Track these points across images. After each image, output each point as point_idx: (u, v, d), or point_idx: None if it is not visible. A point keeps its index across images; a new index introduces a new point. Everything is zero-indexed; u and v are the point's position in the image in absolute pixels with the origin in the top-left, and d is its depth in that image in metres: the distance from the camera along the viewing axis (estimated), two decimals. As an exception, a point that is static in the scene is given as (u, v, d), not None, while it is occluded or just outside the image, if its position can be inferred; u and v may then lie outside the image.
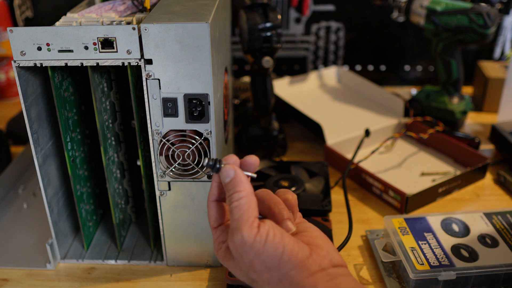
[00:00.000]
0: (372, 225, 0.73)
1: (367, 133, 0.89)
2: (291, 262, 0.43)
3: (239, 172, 0.46)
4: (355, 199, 0.80)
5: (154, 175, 0.60)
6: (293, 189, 0.73)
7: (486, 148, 0.93)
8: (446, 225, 0.66)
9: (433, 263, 0.59)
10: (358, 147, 0.85)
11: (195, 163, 0.59)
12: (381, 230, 0.71)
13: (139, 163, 0.64)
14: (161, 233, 0.64)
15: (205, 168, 0.48)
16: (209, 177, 0.60)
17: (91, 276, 0.65)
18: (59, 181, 0.66)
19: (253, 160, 0.49)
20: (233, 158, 0.47)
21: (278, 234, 0.43)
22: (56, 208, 0.65)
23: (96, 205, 0.72)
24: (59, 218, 0.66)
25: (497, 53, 1.17)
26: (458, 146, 0.87)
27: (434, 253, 0.61)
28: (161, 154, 0.59)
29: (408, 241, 0.63)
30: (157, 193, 0.61)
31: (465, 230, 0.65)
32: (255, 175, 0.49)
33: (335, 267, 0.44)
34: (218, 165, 0.46)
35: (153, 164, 0.59)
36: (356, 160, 0.83)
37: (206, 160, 0.46)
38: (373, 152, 0.83)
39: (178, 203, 0.62)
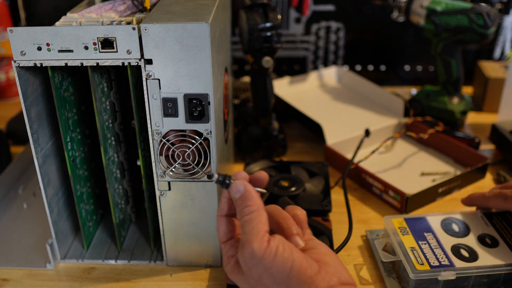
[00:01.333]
0: (372, 225, 0.73)
1: (367, 133, 0.89)
2: (300, 277, 0.43)
3: (249, 187, 0.46)
4: (355, 199, 0.80)
5: (154, 175, 0.60)
6: (293, 189, 0.73)
7: (486, 148, 0.93)
8: (446, 225, 0.66)
9: (433, 263, 0.59)
10: (358, 147, 0.85)
11: (195, 163, 0.59)
12: (381, 230, 0.71)
13: (139, 163, 0.64)
14: (161, 233, 0.64)
15: (216, 184, 0.48)
16: (209, 177, 0.60)
17: (91, 276, 0.65)
18: (59, 181, 0.66)
19: (262, 175, 0.49)
20: (242, 174, 0.48)
21: (288, 249, 0.43)
22: (56, 208, 0.65)
23: (96, 205, 0.72)
24: (59, 218, 0.66)
25: (497, 53, 1.17)
26: (458, 146, 0.87)
27: (434, 253, 0.61)
28: (161, 154, 0.59)
29: (408, 241, 0.63)
30: (157, 193, 0.61)
31: (465, 230, 0.65)
32: (265, 191, 0.49)
33: (344, 285, 0.44)
34: (227, 181, 0.47)
35: (153, 164, 0.59)
36: (356, 160, 0.83)
37: (216, 176, 0.47)
38: (373, 152, 0.83)
39: (178, 203, 0.62)
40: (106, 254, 0.68)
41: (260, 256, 0.43)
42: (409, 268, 0.59)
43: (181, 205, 0.62)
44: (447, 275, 0.58)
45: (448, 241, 0.63)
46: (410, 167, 0.87)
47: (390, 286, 0.61)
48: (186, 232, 0.64)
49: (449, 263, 0.59)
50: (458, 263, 0.59)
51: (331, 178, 0.83)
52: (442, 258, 0.60)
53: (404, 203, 0.74)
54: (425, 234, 0.64)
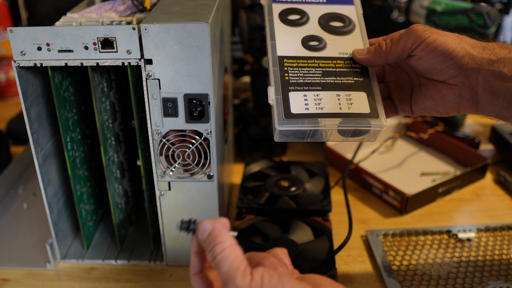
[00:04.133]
0: (372, 225, 0.73)
1: (367, 133, 0.89)
2: None
3: (216, 224, 0.43)
4: (355, 199, 0.80)
5: (154, 175, 0.60)
6: (293, 189, 0.73)
7: (486, 148, 0.93)
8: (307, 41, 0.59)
9: None
10: (358, 147, 0.85)
11: (195, 163, 0.59)
12: (381, 230, 0.71)
13: (139, 163, 0.64)
14: (161, 233, 0.64)
15: (181, 231, 0.44)
16: (209, 177, 0.60)
17: (91, 276, 0.65)
18: (59, 181, 0.66)
19: (224, 221, 0.44)
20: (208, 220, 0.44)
21: (275, 276, 0.40)
22: (56, 208, 0.65)
23: (96, 205, 0.72)
24: (59, 218, 0.66)
25: (497, 53, 1.17)
26: (458, 146, 0.87)
27: None
28: (161, 154, 0.59)
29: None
30: (157, 193, 0.61)
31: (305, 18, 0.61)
32: (236, 233, 0.45)
33: None
34: (192, 226, 0.44)
35: (153, 164, 0.59)
36: (356, 160, 0.83)
37: (179, 223, 0.44)
38: (373, 152, 0.83)
39: (178, 203, 0.62)
40: (106, 254, 0.68)
41: None
42: None
43: (181, 205, 0.62)
44: None
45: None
46: (410, 167, 0.87)
47: (390, 286, 0.61)
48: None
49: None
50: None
51: (331, 178, 0.83)
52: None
53: (404, 203, 0.74)
54: None
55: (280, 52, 0.56)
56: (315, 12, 0.61)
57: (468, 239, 0.69)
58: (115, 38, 0.53)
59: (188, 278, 0.64)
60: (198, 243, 0.44)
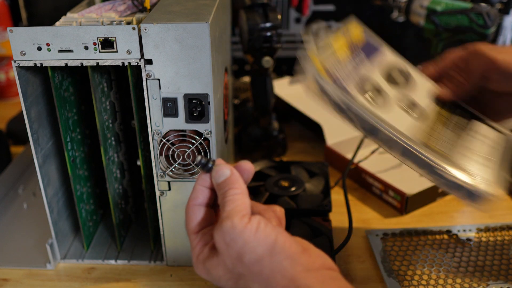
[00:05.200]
0: (372, 225, 0.73)
1: (367, 133, 0.89)
2: (284, 252, 0.40)
3: (235, 171, 0.45)
4: (355, 199, 0.80)
5: (154, 175, 0.60)
6: (293, 189, 0.73)
7: (486, 148, 0.93)
8: (388, 74, 0.61)
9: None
10: (358, 147, 0.85)
11: (195, 163, 0.59)
12: (381, 230, 0.71)
13: (139, 163, 0.64)
14: (161, 233, 0.64)
15: (198, 166, 0.46)
16: (198, 165, 0.59)
17: (91, 276, 0.65)
18: (59, 181, 0.66)
19: (248, 166, 0.46)
20: (223, 161, 0.46)
21: (270, 226, 0.41)
22: (56, 208, 0.65)
23: (96, 205, 0.72)
24: (59, 218, 0.66)
25: (497, 53, 1.17)
26: (458, 146, 0.87)
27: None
28: (161, 154, 0.59)
29: (342, 48, 0.58)
30: (157, 193, 0.61)
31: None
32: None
33: (328, 269, 0.42)
34: (210, 165, 0.45)
35: (153, 164, 0.59)
36: (356, 160, 0.83)
37: (199, 158, 0.45)
38: (373, 152, 0.83)
39: (178, 203, 0.62)
40: (106, 254, 0.68)
41: (240, 229, 0.40)
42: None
43: (181, 205, 0.62)
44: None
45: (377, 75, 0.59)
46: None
47: (390, 286, 0.61)
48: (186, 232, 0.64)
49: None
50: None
51: (331, 178, 0.83)
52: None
53: (404, 203, 0.74)
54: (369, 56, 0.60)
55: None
56: (372, 72, 0.60)
57: (468, 239, 0.69)
58: (115, 38, 0.53)
59: (188, 278, 0.64)
60: (210, 181, 0.46)
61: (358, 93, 0.54)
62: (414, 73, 0.61)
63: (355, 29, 0.60)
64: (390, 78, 0.58)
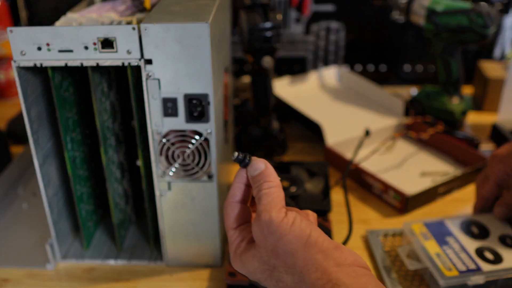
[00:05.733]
0: (372, 225, 0.73)
1: (367, 133, 0.89)
2: (317, 246, 0.42)
3: (269, 165, 0.47)
4: (355, 199, 0.80)
5: (154, 175, 0.60)
6: (293, 189, 0.73)
7: (486, 148, 0.93)
8: (465, 228, 0.65)
9: (461, 268, 0.58)
10: (358, 147, 0.85)
11: (195, 163, 0.59)
12: (381, 230, 0.71)
13: (139, 163, 0.64)
14: (161, 233, 0.64)
15: (233, 158, 0.48)
16: (209, 177, 0.60)
17: (91, 276, 0.65)
18: (59, 181, 0.66)
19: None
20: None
21: (305, 221, 0.43)
22: (56, 208, 0.65)
23: (96, 205, 0.72)
24: (59, 218, 0.66)
25: (497, 53, 1.17)
26: (458, 146, 0.87)
27: (459, 257, 0.60)
28: (161, 154, 0.59)
29: (432, 246, 0.62)
30: (157, 193, 0.61)
31: (485, 232, 0.65)
32: None
33: (360, 267, 0.42)
34: (247, 160, 0.47)
35: (153, 164, 0.59)
36: (356, 160, 0.83)
37: (236, 154, 0.47)
38: (373, 152, 0.83)
39: (178, 203, 0.62)
40: (106, 254, 0.68)
41: (278, 222, 0.42)
42: (438, 275, 0.57)
43: (181, 205, 0.62)
44: (477, 280, 0.57)
45: (471, 244, 0.62)
46: (410, 167, 0.87)
47: (390, 286, 0.61)
48: (186, 232, 0.64)
49: (476, 267, 0.59)
50: (485, 266, 0.59)
51: (331, 178, 0.83)
52: (468, 262, 0.59)
53: (404, 203, 0.74)
54: (447, 238, 0.63)
55: None
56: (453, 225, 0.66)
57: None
58: (115, 38, 0.53)
59: (188, 278, 0.64)
60: (247, 176, 0.48)
61: None
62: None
63: (416, 227, 0.65)
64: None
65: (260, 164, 0.47)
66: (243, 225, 0.47)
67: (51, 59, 0.54)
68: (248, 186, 0.48)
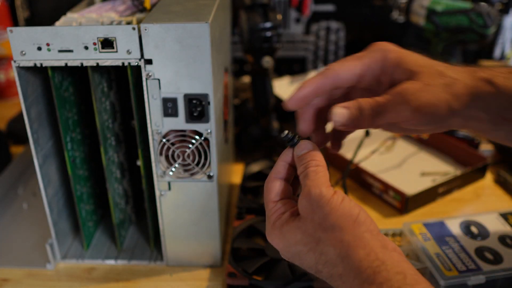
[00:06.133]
0: (372, 225, 0.73)
1: (367, 133, 0.89)
2: (366, 225, 0.42)
3: (316, 146, 0.47)
4: (355, 199, 0.80)
5: (154, 175, 0.60)
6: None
7: (486, 148, 0.93)
8: (465, 228, 0.65)
9: (461, 268, 0.59)
10: (358, 147, 0.85)
11: (195, 163, 0.59)
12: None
13: (139, 163, 0.64)
14: (161, 233, 0.64)
15: (284, 141, 0.49)
16: (209, 177, 0.60)
17: (91, 276, 0.65)
18: (59, 181, 0.66)
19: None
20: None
21: (354, 201, 0.44)
22: (56, 208, 0.65)
23: (96, 205, 0.72)
24: (59, 218, 0.66)
25: (497, 53, 1.17)
26: (458, 146, 0.87)
27: (459, 257, 0.60)
28: (161, 154, 0.59)
29: (431, 246, 0.62)
30: (157, 193, 0.61)
31: (485, 232, 0.65)
32: None
33: (399, 254, 0.43)
34: (296, 140, 0.48)
35: (153, 164, 0.59)
36: (356, 160, 0.83)
37: (286, 132, 0.48)
38: (373, 152, 0.83)
39: (178, 203, 0.62)
40: (106, 254, 0.68)
41: (329, 197, 0.43)
42: (437, 275, 0.58)
43: (181, 205, 0.62)
44: (477, 280, 0.57)
45: (470, 244, 0.62)
46: (410, 167, 0.87)
47: (390, 286, 0.61)
48: (186, 232, 0.64)
49: (476, 267, 0.59)
50: (485, 266, 0.59)
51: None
52: (468, 262, 0.59)
53: (404, 203, 0.74)
54: (447, 238, 0.63)
55: None
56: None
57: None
58: (115, 38, 0.53)
59: (188, 278, 0.64)
60: (293, 157, 0.48)
61: None
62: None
63: (415, 227, 0.66)
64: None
65: (308, 144, 0.47)
66: (284, 199, 0.48)
67: (51, 59, 0.54)
68: (292, 166, 0.48)
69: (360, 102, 0.47)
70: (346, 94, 0.52)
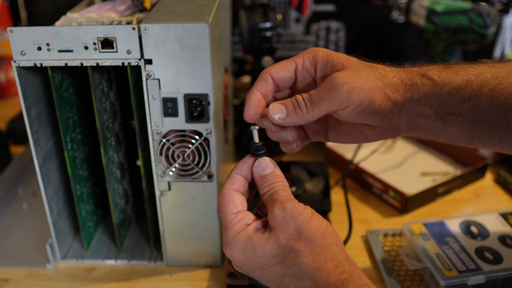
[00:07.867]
0: (372, 225, 0.73)
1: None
2: (333, 238, 0.44)
3: (277, 165, 0.49)
4: (355, 199, 0.80)
5: (154, 175, 0.60)
6: (293, 189, 0.73)
7: (486, 148, 0.93)
8: (465, 228, 0.65)
9: (461, 268, 0.59)
10: (358, 147, 0.85)
11: (195, 163, 0.59)
12: (381, 230, 0.71)
13: (139, 163, 0.64)
14: (161, 233, 0.64)
15: (251, 148, 0.49)
16: (209, 177, 0.60)
17: (91, 276, 0.65)
18: (59, 181, 0.66)
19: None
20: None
21: (321, 216, 0.45)
22: (56, 208, 0.65)
23: (96, 205, 0.72)
24: (59, 218, 0.66)
25: (497, 53, 1.17)
26: (458, 146, 0.87)
27: (459, 257, 0.60)
28: (161, 154, 0.59)
29: (431, 246, 0.62)
30: (157, 193, 0.61)
31: (485, 232, 0.65)
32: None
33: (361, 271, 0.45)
34: (261, 152, 0.49)
35: (153, 164, 0.59)
36: (356, 160, 0.83)
37: (257, 140, 0.49)
38: (373, 152, 0.83)
39: (178, 203, 0.62)
40: (106, 254, 0.68)
41: (301, 210, 0.44)
42: (437, 275, 0.58)
43: (181, 205, 0.62)
44: (477, 280, 0.57)
45: (470, 245, 0.62)
46: (410, 167, 0.87)
47: (390, 286, 0.61)
48: (186, 232, 0.64)
49: (476, 267, 0.59)
50: (485, 266, 0.59)
51: (331, 178, 0.83)
52: (468, 262, 0.60)
53: (404, 203, 0.74)
54: (446, 238, 0.63)
55: None
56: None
57: (468, 240, 0.69)
58: (115, 38, 0.53)
59: (188, 278, 0.64)
60: (247, 170, 0.49)
61: None
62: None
63: (415, 227, 0.66)
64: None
65: (270, 164, 0.48)
66: (243, 212, 0.48)
67: (51, 59, 0.54)
68: (245, 179, 0.49)
69: (295, 96, 0.49)
70: (292, 95, 0.52)
